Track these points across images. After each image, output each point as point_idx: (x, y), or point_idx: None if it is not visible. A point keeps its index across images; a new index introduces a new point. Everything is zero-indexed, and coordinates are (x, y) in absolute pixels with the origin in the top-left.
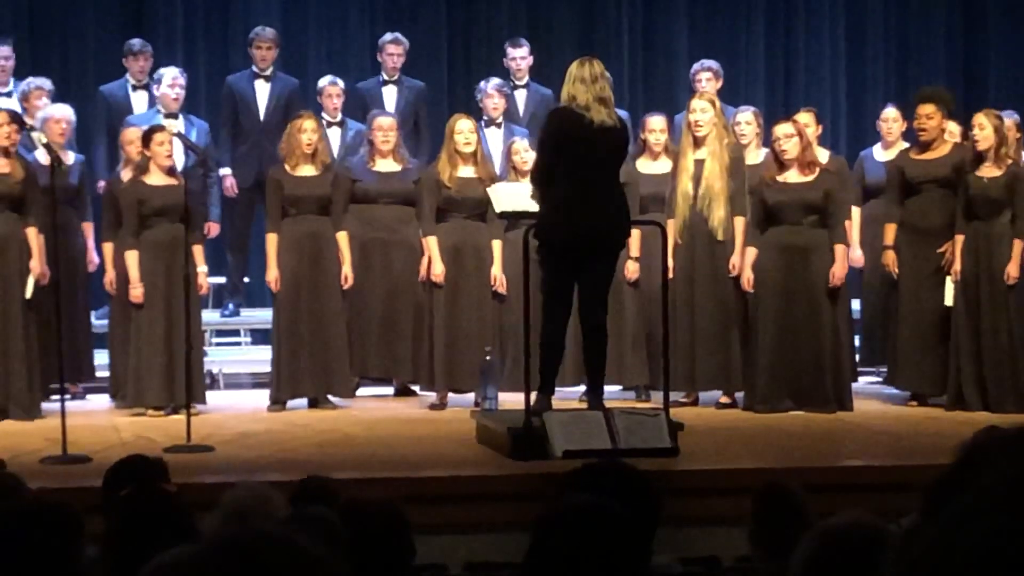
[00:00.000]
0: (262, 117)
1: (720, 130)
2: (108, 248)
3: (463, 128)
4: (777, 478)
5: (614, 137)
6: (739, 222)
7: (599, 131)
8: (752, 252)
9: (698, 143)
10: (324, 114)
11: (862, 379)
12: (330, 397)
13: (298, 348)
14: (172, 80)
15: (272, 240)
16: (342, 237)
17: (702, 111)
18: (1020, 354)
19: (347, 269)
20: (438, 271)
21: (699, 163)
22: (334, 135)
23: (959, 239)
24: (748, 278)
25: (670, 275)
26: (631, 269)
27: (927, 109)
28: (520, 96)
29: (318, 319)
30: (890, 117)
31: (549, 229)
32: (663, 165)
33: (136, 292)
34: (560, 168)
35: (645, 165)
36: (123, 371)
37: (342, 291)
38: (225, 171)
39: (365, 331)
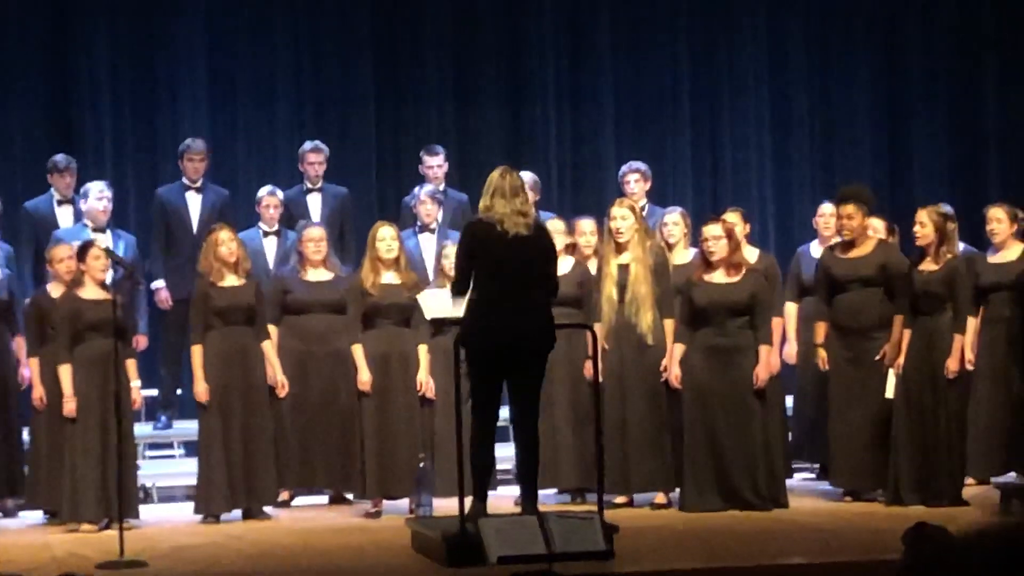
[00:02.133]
0: (195, 229)
1: (642, 235)
2: (34, 363)
3: (385, 235)
4: None
5: (531, 246)
6: (668, 324)
7: (514, 241)
8: (679, 348)
9: (620, 248)
10: (262, 223)
11: (797, 475)
12: (265, 508)
13: (227, 461)
14: (99, 194)
15: (198, 352)
16: (268, 346)
17: (622, 218)
18: (957, 449)
19: (279, 377)
20: (364, 379)
21: (623, 268)
22: (271, 244)
23: (906, 334)
24: (676, 375)
25: (600, 379)
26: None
27: (848, 210)
28: None
29: (248, 430)
30: (827, 212)
31: (471, 337)
32: (593, 267)
33: (70, 406)
34: (478, 278)
35: None
36: (45, 484)
37: (272, 401)
38: (159, 284)
39: (296, 443)
